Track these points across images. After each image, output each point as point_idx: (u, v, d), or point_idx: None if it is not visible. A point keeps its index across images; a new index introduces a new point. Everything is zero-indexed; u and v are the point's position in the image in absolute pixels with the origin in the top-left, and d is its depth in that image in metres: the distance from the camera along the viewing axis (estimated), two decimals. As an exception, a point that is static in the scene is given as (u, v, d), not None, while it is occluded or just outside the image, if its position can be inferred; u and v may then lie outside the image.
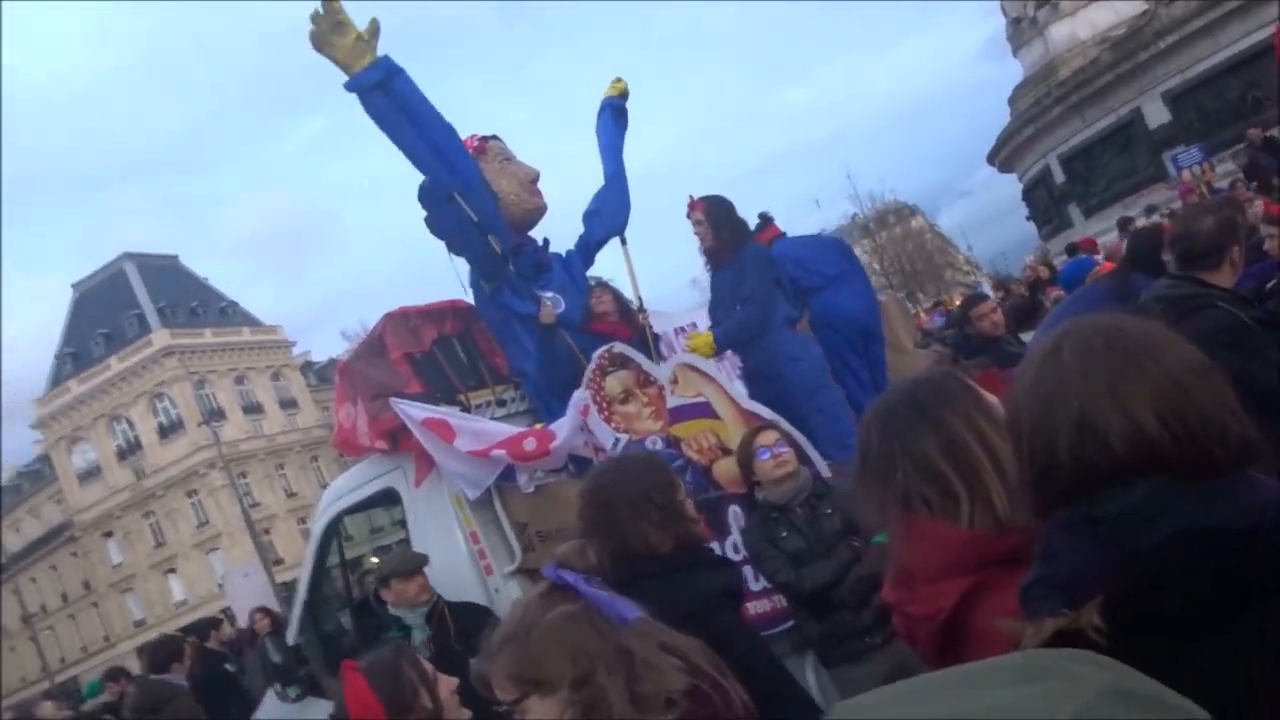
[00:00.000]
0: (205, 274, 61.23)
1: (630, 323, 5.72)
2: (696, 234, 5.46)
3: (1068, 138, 19.33)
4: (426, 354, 5.67)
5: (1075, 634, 0.99)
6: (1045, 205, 21.07)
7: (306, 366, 61.29)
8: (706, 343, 5.21)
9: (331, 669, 5.88)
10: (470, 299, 5.97)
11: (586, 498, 2.44)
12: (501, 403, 5.78)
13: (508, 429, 5.13)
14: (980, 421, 1.48)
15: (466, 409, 5.44)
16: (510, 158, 6.05)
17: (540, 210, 6.06)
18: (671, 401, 4.80)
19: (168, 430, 53.57)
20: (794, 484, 3.85)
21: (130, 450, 54.44)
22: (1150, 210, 15.25)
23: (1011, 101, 21.31)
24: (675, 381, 4.82)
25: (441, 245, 5.94)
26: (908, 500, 1.47)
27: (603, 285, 6.00)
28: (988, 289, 14.98)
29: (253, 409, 55.45)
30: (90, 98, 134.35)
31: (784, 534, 3.79)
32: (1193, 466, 1.06)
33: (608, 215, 6.32)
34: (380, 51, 5.32)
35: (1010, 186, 24.56)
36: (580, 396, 4.93)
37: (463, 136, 5.83)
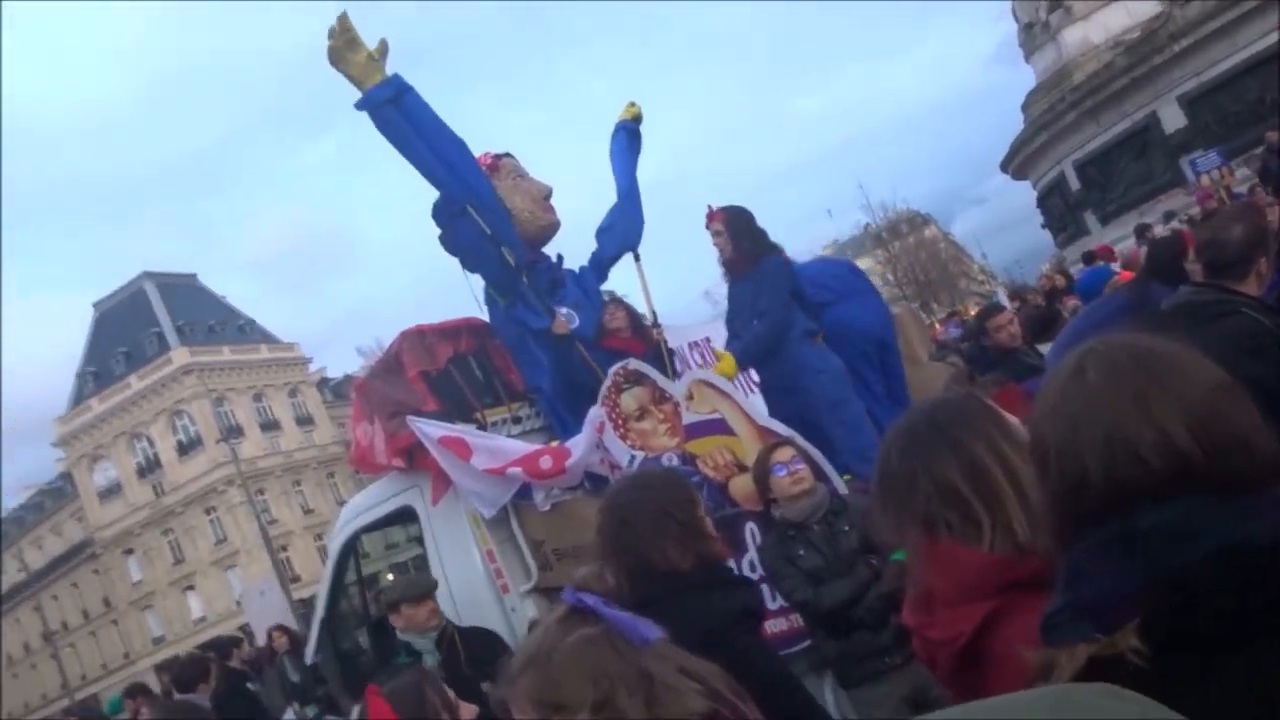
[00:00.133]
0: (223, 292, 61.87)
1: (644, 338, 5.72)
2: (715, 245, 5.42)
3: (1082, 144, 19.21)
4: (442, 372, 5.69)
5: (1110, 659, 0.98)
6: (1060, 212, 20.93)
7: (323, 383, 61.58)
8: (732, 365, 5.18)
9: (349, 688, 5.89)
10: (485, 316, 5.99)
11: (606, 514, 2.41)
12: (517, 420, 5.79)
13: (524, 447, 5.13)
14: (1002, 444, 1.47)
15: (483, 426, 5.46)
16: (523, 174, 6.08)
17: (554, 226, 6.09)
18: (687, 418, 4.78)
19: (187, 447, 53.92)
20: (811, 501, 3.82)
21: (150, 468, 54.82)
22: (1168, 216, 15.13)
23: (1024, 107, 21.21)
24: (691, 398, 4.80)
25: (456, 263, 5.97)
26: (929, 523, 1.46)
27: (616, 301, 6.00)
28: (1003, 298, 14.87)
29: (270, 426, 55.76)
30: (109, 119, 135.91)
31: (801, 552, 3.76)
32: (1224, 482, 1.05)
33: (621, 232, 6.33)
34: (391, 70, 5.40)
35: (1024, 193, 24.43)
36: (596, 414, 4.93)
37: (476, 154, 5.86)
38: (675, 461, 4.70)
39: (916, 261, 57.15)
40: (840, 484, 4.22)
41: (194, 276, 61.31)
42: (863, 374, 5.51)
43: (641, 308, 6.10)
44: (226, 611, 49.14)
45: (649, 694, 1.53)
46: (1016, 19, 21.43)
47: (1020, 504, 1.40)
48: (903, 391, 5.49)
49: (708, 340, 6.63)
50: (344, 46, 5.33)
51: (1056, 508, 1.16)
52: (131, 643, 55.36)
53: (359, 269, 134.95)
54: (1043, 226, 23.04)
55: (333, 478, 55.85)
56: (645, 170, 6.56)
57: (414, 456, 5.33)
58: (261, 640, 11.03)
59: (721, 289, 5.90)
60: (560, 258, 6.15)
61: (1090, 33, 19.37)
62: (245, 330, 58.99)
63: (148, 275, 57.95)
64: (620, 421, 4.95)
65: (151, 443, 54.69)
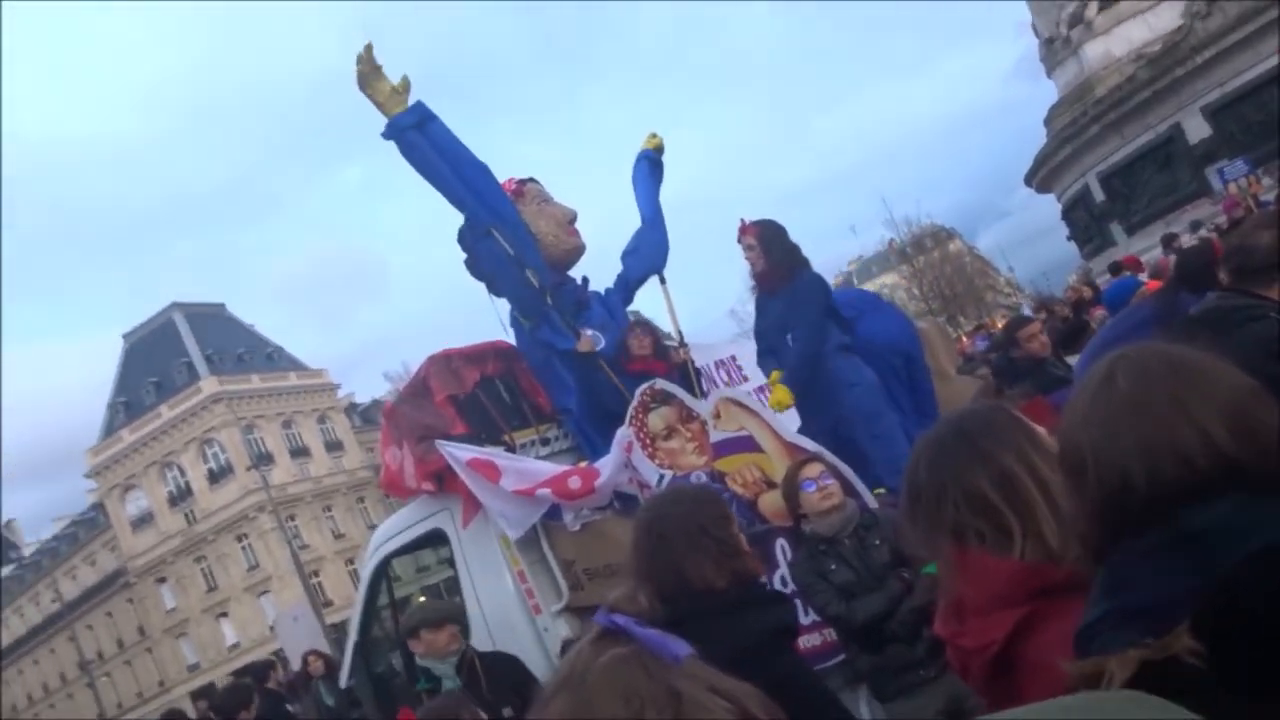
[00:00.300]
0: (251, 321, 62.53)
1: (667, 360, 5.74)
2: (747, 258, 5.40)
3: (1106, 156, 19.12)
4: (470, 395, 5.74)
5: (1163, 664, 0.97)
6: (1086, 224, 20.81)
7: (351, 409, 62.02)
8: (787, 392, 5.10)
9: (383, 711, 5.91)
10: (511, 339, 6.04)
11: (641, 530, 2.40)
12: (545, 441, 5.82)
13: (552, 468, 5.16)
14: (1031, 454, 1.48)
15: (511, 449, 5.49)
16: (548, 199, 6.15)
17: (579, 250, 6.15)
18: (715, 436, 4.80)
19: (217, 475, 54.40)
20: (841, 516, 3.82)
21: (181, 496, 55.33)
22: (1195, 226, 15.02)
23: (1047, 122, 21.15)
24: (718, 416, 4.81)
25: (482, 287, 6.05)
26: (959, 533, 1.47)
27: (643, 325, 6.00)
28: (1028, 311, 14.77)
29: (299, 452, 56.17)
30: (133, 154, 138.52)
31: (833, 566, 3.75)
32: (1265, 481, 1.06)
33: (646, 254, 6.38)
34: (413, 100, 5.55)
35: (1049, 206, 24.31)
36: (624, 433, 4.95)
37: (500, 180, 5.95)
38: (704, 480, 4.71)
39: (942, 276, 56.80)
40: (870, 498, 4.21)
41: (222, 306, 62.09)
42: (890, 388, 5.50)
43: (667, 328, 6.13)
44: (260, 637, 49.38)
45: (677, 712, 1.54)
46: (1037, 34, 21.42)
47: (1052, 513, 1.40)
48: (931, 406, 5.47)
49: (734, 359, 6.65)
50: (370, 73, 5.51)
51: (1095, 516, 1.16)
52: (167, 670, 55.71)
53: (385, 295, 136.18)
54: (1068, 239, 22.90)
55: (362, 502, 56.13)
56: (668, 191, 6.64)
57: (444, 480, 5.37)
58: (296, 665, 11.09)
59: (747, 307, 5.89)
60: (585, 280, 6.20)
61: (1112, 46, 19.31)
62: (273, 358, 59.57)
63: (176, 306, 58.76)
64: (648, 441, 4.97)
65: (182, 471, 55.22)
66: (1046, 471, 1.42)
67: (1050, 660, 1.14)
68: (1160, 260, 12.06)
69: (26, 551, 70.86)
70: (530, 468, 5.15)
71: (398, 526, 6.06)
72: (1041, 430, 1.53)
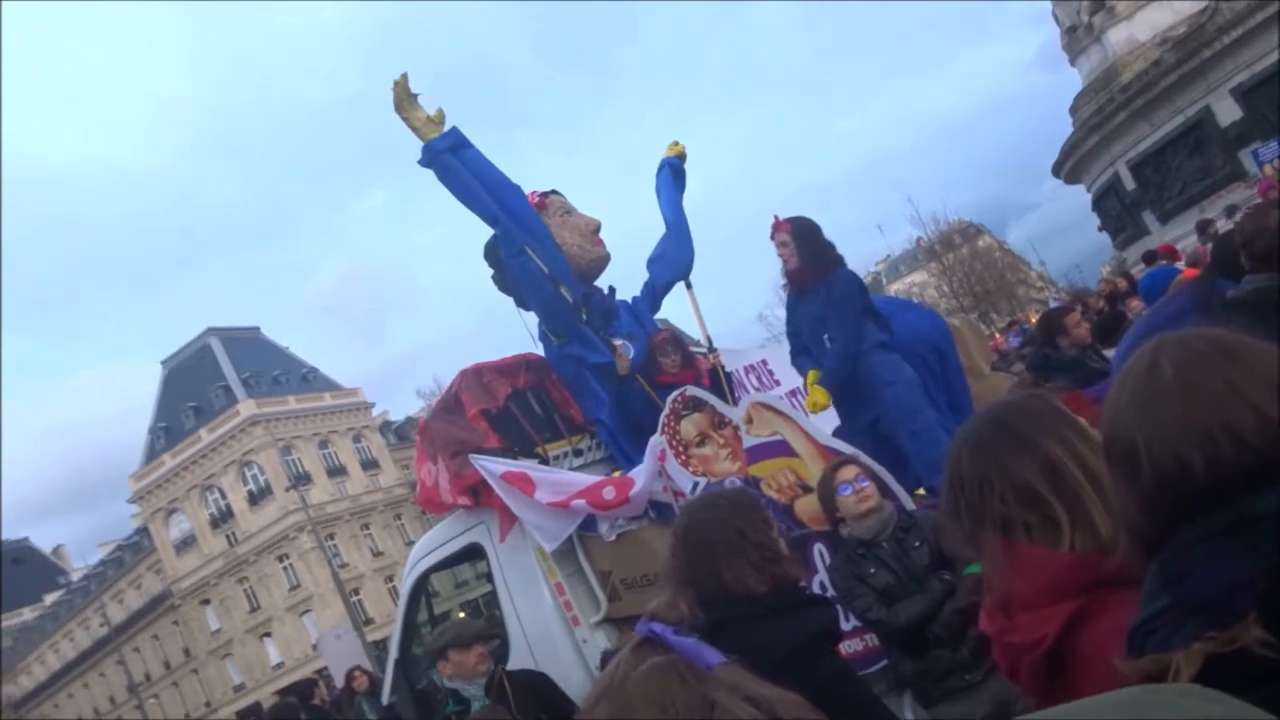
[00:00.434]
0: (285, 343, 63.36)
1: (694, 369, 5.73)
2: (780, 255, 5.33)
3: (1135, 143, 18.84)
4: (502, 409, 5.75)
5: (1231, 656, 0.94)
6: (1117, 214, 20.50)
7: (385, 426, 62.53)
8: (825, 393, 5.07)
9: (426, 728, 5.92)
10: (540, 351, 6.07)
11: (680, 536, 2.37)
12: (578, 452, 5.82)
13: (586, 479, 5.15)
14: (1076, 442, 1.44)
15: (544, 461, 5.50)
16: (571, 211, 6.17)
17: (604, 260, 6.16)
18: (748, 441, 4.76)
19: (257, 497, 55.03)
20: (878, 518, 3.77)
21: (222, 518, 56.03)
22: (1230, 211, 14.74)
23: (1072, 111, 20.88)
24: (750, 421, 4.78)
25: (510, 301, 6.08)
26: (1006, 527, 1.43)
27: (672, 341, 5.94)
28: (1054, 305, 14.59)
29: (337, 471, 56.69)
30: (165, 183, 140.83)
31: (872, 570, 3.70)
32: None
33: (672, 260, 6.38)
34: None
35: (1078, 197, 23.97)
36: (656, 441, 4.93)
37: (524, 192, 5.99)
38: (739, 485, 4.68)
39: (972, 272, 56.23)
40: (907, 499, 4.16)
41: (257, 329, 62.93)
42: (925, 385, 5.44)
43: (695, 333, 6.12)
44: (303, 656, 49.83)
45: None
46: (1058, 23, 21.17)
47: (1101, 501, 1.36)
48: (966, 402, 5.40)
49: (764, 363, 6.62)
50: (405, 96, 5.64)
51: (1147, 507, 1.12)
52: (213, 691, 56.35)
53: (414, 313, 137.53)
54: (1099, 229, 22.58)
55: (399, 519, 56.53)
56: (692, 197, 6.66)
57: (479, 494, 5.39)
58: (340, 682, 11.17)
59: (776, 312, 5.86)
60: (612, 289, 6.21)
61: (1136, 31, 19.05)
62: (308, 379, 60.23)
63: (212, 331, 59.65)
64: (681, 448, 4.95)
65: (223, 494, 55.93)
66: (1093, 461, 1.39)
67: (1103, 654, 1.10)
68: (1198, 248, 11.87)
69: (75, 576, 72.09)
70: (564, 479, 5.15)
71: (435, 542, 6.08)
72: (1081, 420, 1.50)
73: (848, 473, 3.87)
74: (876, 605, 3.65)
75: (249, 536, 54.59)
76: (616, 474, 5.26)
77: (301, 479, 51.26)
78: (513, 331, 6.17)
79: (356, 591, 50.52)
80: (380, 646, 29.27)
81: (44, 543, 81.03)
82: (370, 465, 58.72)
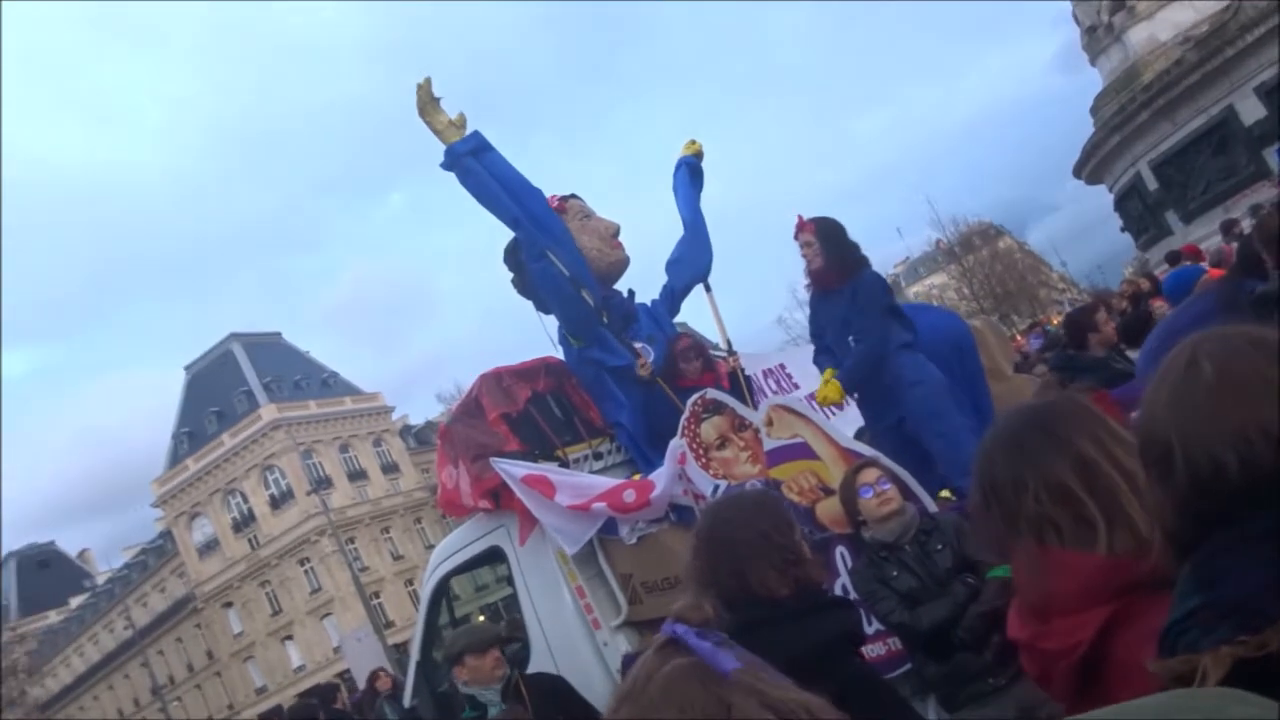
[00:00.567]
0: (306, 348, 63.79)
1: (714, 373, 5.71)
2: (804, 255, 5.28)
3: (1157, 143, 18.67)
4: (522, 412, 5.76)
5: (1260, 661, 0.93)
6: (1140, 214, 20.31)
7: (405, 430, 62.80)
8: (838, 389, 5.05)
9: (448, 731, 5.92)
10: (560, 355, 6.07)
11: (703, 537, 2.36)
12: (599, 455, 5.82)
13: (607, 482, 5.15)
14: (1109, 441, 1.41)
15: (564, 464, 5.50)
16: (590, 214, 6.18)
17: (623, 263, 6.16)
18: (768, 444, 4.75)
19: (279, 501, 55.41)
20: (900, 521, 3.75)
21: (245, 522, 56.44)
22: (1255, 210, 14.57)
23: (1093, 111, 20.72)
24: (770, 424, 4.76)
25: (530, 304, 6.09)
26: (1039, 529, 1.40)
27: (694, 348, 5.92)
28: (1069, 308, 14.48)
29: (357, 475, 56.99)
30: (187, 190, 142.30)
31: (894, 573, 3.68)
32: None
33: (690, 262, 6.37)
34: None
35: (1099, 197, 23.76)
36: (677, 444, 4.93)
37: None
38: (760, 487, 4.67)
39: (993, 274, 55.89)
40: (930, 502, 4.14)
41: (278, 334, 63.41)
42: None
43: (714, 337, 6.11)
44: (325, 659, 50.12)
45: None
46: (1077, 23, 21.03)
47: (1137, 500, 1.34)
48: (987, 404, 5.36)
49: (782, 367, 6.60)
50: (428, 100, 5.69)
51: (1182, 508, 1.11)
52: (235, 694, 56.74)
53: (434, 317, 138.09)
54: (1122, 230, 22.38)
55: (419, 523, 56.75)
56: (712, 201, 6.64)
57: (500, 497, 5.39)
58: (363, 685, 11.21)
59: (795, 315, 5.84)
60: (631, 293, 6.21)
61: (1157, 30, 18.89)
62: (329, 384, 60.61)
63: (234, 336, 60.18)
64: (701, 451, 4.94)
65: (245, 498, 56.35)
66: (1127, 460, 1.36)
67: (1139, 659, 1.09)
68: (1222, 248, 11.74)
69: (100, 580, 72.82)
70: (585, 482, 5.15)
71: (456, 545, 6.09)
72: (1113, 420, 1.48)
73: (869, 475, 3.85)
74: (899, 608, 3.63)
75: (271, 540, 54.96)
76: (637, 477, 5.25)
77: (322, 483, 51.55)
78: (533, 334, 6.18)
79: (377, 595, 50.73)
80: (401, 649, 29.36)
81: (70, 547, 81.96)
82: (390, 469, 58.99)
